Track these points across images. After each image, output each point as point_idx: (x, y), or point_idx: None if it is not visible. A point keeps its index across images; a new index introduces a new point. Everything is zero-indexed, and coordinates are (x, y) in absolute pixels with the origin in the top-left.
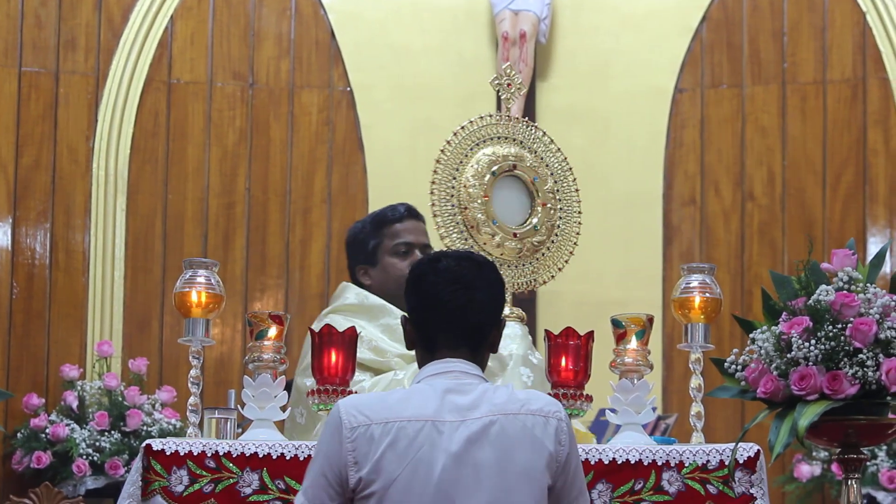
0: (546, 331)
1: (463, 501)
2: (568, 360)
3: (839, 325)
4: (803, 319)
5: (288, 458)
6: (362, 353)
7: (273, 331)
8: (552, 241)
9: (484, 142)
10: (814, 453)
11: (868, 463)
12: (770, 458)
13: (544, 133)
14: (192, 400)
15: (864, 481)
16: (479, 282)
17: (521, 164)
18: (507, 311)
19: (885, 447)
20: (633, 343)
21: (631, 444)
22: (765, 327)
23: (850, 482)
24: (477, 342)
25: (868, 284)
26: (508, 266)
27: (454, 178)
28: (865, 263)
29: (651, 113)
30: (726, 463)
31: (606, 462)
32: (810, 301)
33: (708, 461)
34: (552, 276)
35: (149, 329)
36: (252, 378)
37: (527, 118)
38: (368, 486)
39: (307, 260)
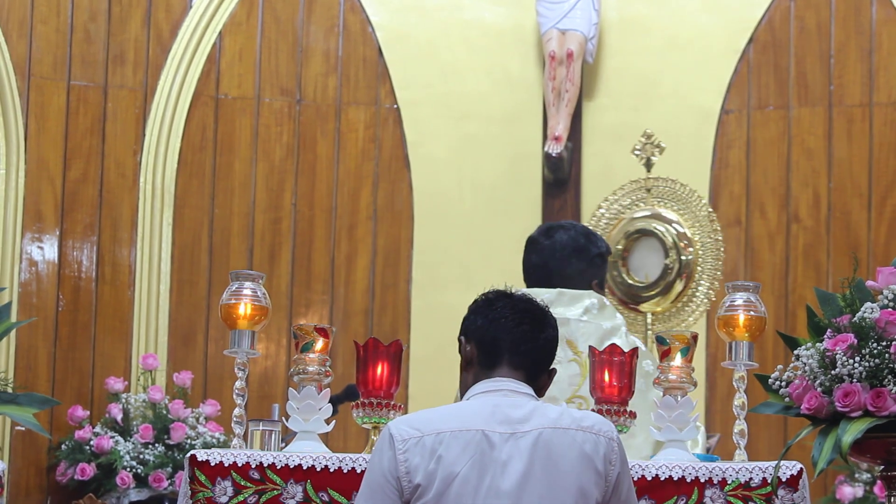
0: (590, 346)
1: None
2: (612, 376)
3: (884, 343)
4: (848, 337)
5: (332, 470)
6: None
7: (319, 343)
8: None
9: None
10: (856, 475)
11: None
12: (813, 475)
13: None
14: (237, 411)
15: None
16: (546, 321)
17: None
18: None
19: None
20: (678, 360)
21: (674, 461)
22: (809, 344)
23: (893, 500)
24: (534, 372)
25: None
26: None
27: None
28: None
29: (697, 134)
30: (769, 481)
31: (650, 478)
32: (855, 318)
33: (751, 479)
34: None
35: (194, 343)
36: (297, 390)
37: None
38: (423, 496)
39: (352, 276)
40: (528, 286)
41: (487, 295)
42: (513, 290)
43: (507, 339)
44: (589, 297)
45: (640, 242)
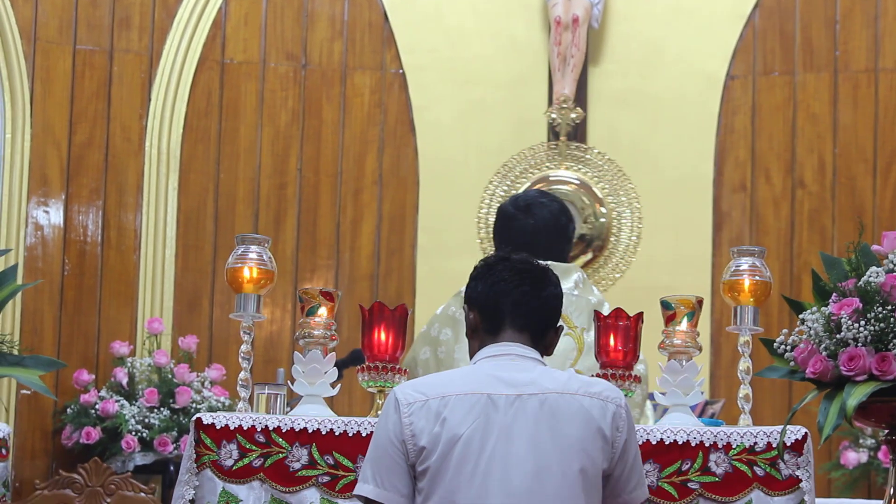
0: (595, 311)
1: (515, 473)
2: (617, 340)
3: (889, 307)
4: (853, 301)
5: (337, 433)
6: None
7: (324, 308)
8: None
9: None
10: (860, 440)
11: None
12: (820, 440)
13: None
14: (242, 375)
15: None
16: (547, 280)
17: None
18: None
19: None
20: (683, 325)
21: (679, 425)
22: (815, 308)
23: None
24: (539, 332)
25: None
26: None
27: None
28: None
29: (702, 99)
30: (773, 445)
31: (654, 443)
32: (860, 283)
33: (755, 443)
34: None
35: (199, 307)
36: (302, 354)
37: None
38: (428, 458)
39: (357, 241)
40: None
41: (487, 260)
42: (511, 254)
43: (507, 302)
44: (575, 271)
45: None
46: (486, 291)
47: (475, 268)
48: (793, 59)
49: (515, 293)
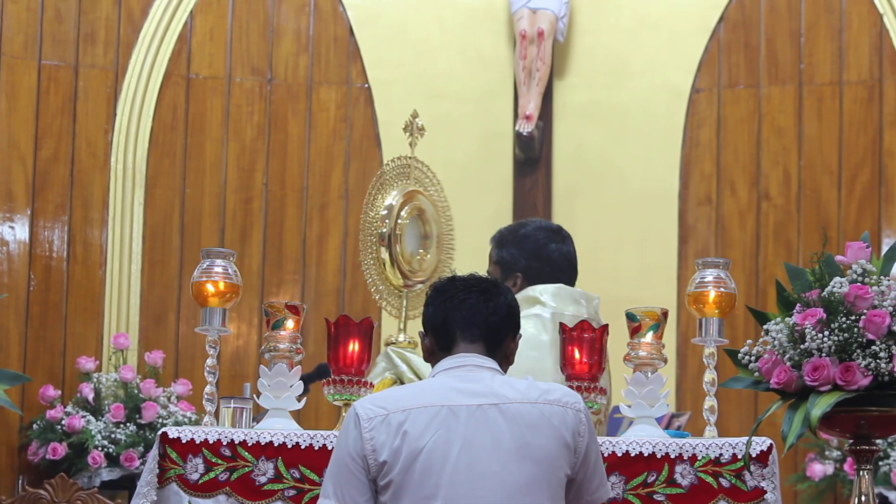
0: (560, 323)
1: (479, 484)
2: (582, 352)
3: (853, 317)
4: (817, 311)
5: (303, 447)
6: None
7: (290, 321)
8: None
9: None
10: (826, 453)
11: (881, 463)
12: (783, 449)
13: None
14: (208, 389)
15: (876, 481)
16: (496, 290)
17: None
18: (400, 337)
19: None
20: (648, 336)
21: (644, 437)
22: (779, 318)
23: (861, 473)
24: (493, 342)
25: (882, 277)
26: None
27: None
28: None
29: (668, 112)
30: (739, 456)
31: (620, 454)
32: (824, 293)
33: (721, 454)
34: None
35: (165, 322)
36: (268, 368)
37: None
38: (389, 473)
39: (324, 256)
40: (551, 280)
41: (434, 284)
42: (457, 275)
43: (457, 316)
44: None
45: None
46: (436, 311)
47: (426, 295)
48: (758, 72)
49: (463, 307)
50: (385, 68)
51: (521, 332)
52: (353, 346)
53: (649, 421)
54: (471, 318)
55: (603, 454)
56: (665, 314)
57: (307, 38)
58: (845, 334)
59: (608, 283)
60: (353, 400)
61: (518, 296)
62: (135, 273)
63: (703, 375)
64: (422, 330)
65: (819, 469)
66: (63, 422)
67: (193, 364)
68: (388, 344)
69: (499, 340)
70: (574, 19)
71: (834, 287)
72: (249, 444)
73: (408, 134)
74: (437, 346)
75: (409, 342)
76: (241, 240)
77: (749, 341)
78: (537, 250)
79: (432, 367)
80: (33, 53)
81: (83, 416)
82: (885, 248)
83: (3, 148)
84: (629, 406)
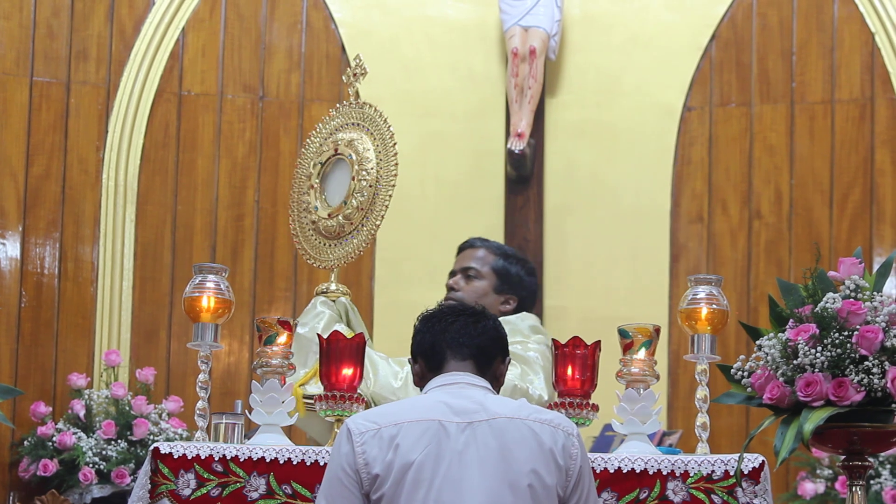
0: (553, 340)
1: (466, 498)
2: (574, 369)
3: (845, 333)
4: (810, 327)
5: (295, 462)
6: None
7: (282, 337)
8: (361, 211)
9: (335, 132)
10: (818, 471)
11: (872, 481)
12: (775, 464)
13: (376, 110)
14: (200, 404)
15: (867, 500)
16: (482, 315)
17: (345, 147)
18: (332, 286)
19: (889, 466)
20: (641, 353)
21: (636, 454)
22: (771, 334)
23: (854, 489)
24: (483, 362)
25: (875, 293)
26: (333, 245)
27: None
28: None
29: (659, 130)
30: (731, 473)
31: (612, 471)
32: (817, 308)
33: (713, 471)
34: (363, 248)
35: (156, 339)
36: (260, 383)
37: (366, 102)
38: (382, 486)
39: (315, 273)
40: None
41: (421, 315)
42: (443, 303)
43: (445, 338)
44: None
45: (338, 166)
46: (425, 336)
47: (414, 327)
48: (749, 91)
49: (452, 329)
50: (376, 86)
51: (509, 356)
52: (346, 363)
53: (641, 437)
54: (460, 338)
55: (595, 470)
56: (657, 330)
57: (299, 55)
58: (838, 350)
59: (600, 300)
60: (346, 416)
61: (527, 321)
62: (126, 290)
63: (694, 392)
64: (409, 357)
65: (810, 487)
66: (54, 438)
67: (184, 381)
68: (318, 294)
69: (489, 361)
70: (566, 37)
71: (827, 303)
72: (241, 460)
73: (346, 78)
74: (428, 367)
75: (345, 292)
76: (232, 256)
77: (742, 357)
78: (534, 291)
79: (421, 390)
80: (25, 70)
81: (74, 433)
82: (876, 266)
83: None
84: (621, 423)
